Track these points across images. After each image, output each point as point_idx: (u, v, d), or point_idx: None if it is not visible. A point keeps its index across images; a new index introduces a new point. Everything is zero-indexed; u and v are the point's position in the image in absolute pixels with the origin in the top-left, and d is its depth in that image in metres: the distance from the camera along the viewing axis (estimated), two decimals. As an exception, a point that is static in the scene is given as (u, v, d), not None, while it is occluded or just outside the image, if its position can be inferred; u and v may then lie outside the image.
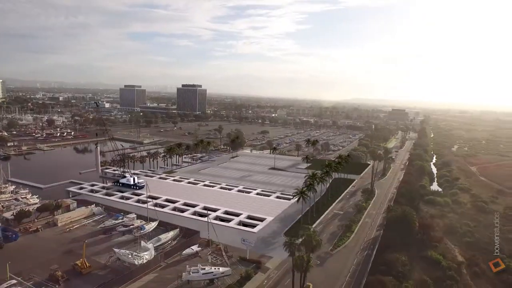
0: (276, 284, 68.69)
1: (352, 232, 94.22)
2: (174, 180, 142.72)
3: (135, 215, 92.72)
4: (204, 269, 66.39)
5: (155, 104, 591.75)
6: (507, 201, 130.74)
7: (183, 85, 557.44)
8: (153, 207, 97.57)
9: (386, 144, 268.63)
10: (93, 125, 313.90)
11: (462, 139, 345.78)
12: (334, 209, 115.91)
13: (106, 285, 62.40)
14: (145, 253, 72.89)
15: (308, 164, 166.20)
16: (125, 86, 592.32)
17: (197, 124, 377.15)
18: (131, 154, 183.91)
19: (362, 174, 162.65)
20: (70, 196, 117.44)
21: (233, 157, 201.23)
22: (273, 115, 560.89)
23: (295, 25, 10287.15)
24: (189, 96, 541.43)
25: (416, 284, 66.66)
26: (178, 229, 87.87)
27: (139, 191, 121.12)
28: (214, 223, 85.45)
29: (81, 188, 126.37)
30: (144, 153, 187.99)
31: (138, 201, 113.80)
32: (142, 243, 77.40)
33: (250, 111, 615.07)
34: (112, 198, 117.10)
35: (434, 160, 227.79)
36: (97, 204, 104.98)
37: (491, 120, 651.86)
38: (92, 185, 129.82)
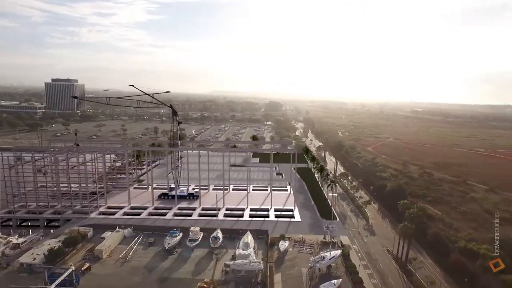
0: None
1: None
2: (155, 189, 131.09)
3: (199, 228, 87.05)
4: (329, 254, 73.88)
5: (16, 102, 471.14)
6: (415, 169, 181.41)
7: (53, 80, 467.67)
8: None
9: (295, 134, 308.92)
10: None
11: (337, 126, 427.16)
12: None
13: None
14: (254, 257, 73.73)
15: (257, 158, 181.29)
16: None
17: (98, 125, 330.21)
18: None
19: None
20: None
21: (181, 158, 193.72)
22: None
23: (146, 14, 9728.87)
24: (63, 93, 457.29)
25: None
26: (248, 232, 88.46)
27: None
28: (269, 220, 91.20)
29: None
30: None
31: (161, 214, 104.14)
32: (238, 251, 76.84)
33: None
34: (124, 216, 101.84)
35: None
36: (125, 227, 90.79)
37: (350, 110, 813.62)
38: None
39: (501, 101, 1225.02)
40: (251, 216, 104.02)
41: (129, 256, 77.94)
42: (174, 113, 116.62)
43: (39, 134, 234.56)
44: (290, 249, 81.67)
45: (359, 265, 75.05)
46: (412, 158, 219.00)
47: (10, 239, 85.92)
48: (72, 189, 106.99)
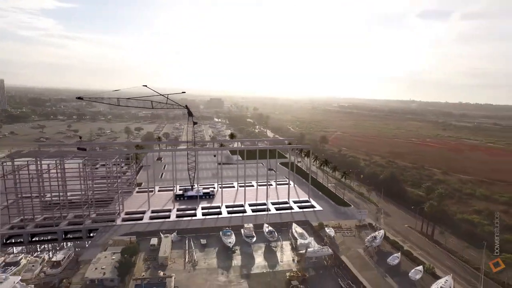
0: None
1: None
2: (159, 191, 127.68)
3: (252, 224, 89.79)
4: (378, 234, 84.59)
5: None
6: (379, 159, 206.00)
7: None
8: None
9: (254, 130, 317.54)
10: None
11: (284, 122, 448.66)
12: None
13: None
14: (315, 244, 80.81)
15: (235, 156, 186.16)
16: None
17: (36, 127, 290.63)
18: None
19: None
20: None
21: (159, 159, 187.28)
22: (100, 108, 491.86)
23: (55, 1, 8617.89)
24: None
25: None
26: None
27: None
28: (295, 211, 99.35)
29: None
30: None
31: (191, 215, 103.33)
32: (300, 241, 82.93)
33: (60, 106, 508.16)
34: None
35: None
36: (166, 231, 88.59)
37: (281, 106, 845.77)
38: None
39: (407, 97, 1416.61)
40: (276, 209, 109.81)
41: (195, 259, 77.61)
42: (190, 113, 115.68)
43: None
44: (334, 235, 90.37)
45: (398, 241, 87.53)
46: (369, 150, 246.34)
47: (44, 257, 77.85)
48: (90, 196, 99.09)
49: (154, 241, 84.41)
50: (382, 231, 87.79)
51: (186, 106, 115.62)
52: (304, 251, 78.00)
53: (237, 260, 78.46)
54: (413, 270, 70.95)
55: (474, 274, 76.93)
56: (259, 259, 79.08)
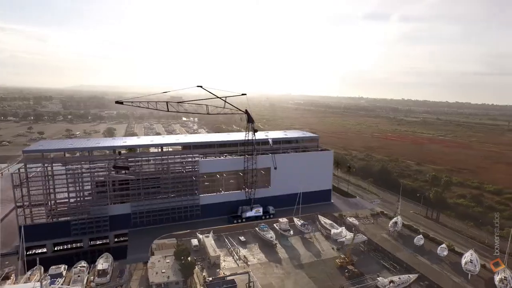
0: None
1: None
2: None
3: (286, 219, 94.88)
4: (398, 220, 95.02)
5: None
6: (357, 153, 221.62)
7: None
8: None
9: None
10: None
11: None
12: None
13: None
14: (347, 233, 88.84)
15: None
16: None
17: None
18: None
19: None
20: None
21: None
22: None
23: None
24: None
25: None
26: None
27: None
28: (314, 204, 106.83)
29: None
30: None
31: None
32: (333, 230, 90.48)
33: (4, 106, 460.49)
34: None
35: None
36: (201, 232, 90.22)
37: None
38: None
39: (356, 94, 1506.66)
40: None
41: (244, 256, 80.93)
42: (251, 120, 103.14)
43: None
44: (358, 223, 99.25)
45: (412, 225, 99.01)
46: (344, 145, 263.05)
47: (82, 266, 75.53)
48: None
49: (195, 241, 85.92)
50: (399, 217, 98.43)
51: (246, 110, 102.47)
52: (344, 239, 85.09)
53: (282, 253, 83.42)
54: (439, 248, 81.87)
55: (482, 247, 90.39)
56: (302, 250, 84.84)
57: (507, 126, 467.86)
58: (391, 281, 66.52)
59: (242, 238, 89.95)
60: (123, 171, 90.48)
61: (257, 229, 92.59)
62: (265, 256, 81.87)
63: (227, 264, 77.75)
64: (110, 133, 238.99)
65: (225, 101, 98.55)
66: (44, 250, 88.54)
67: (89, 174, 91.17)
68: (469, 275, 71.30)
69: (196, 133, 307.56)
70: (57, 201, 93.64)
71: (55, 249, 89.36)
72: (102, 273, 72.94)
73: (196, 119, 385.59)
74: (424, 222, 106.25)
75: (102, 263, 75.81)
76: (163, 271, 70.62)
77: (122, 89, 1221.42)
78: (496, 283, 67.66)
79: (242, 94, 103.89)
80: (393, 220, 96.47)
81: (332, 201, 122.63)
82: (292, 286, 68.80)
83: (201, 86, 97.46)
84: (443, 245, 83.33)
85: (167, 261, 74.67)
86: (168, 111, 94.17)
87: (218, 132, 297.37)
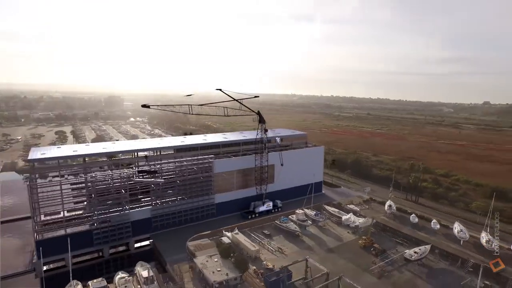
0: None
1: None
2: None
3: (302, 210, 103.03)
4: (391, 203, 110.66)
5: None
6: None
7: None
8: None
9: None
10: None
11: (203, 118, 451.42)
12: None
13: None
14: (354, 218, 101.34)
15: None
16: None
17: None
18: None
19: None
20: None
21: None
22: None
23: None
24: None
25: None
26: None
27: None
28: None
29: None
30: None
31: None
32: (344, 217, 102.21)
33: None
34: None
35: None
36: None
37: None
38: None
39: (289, 91, 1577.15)
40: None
41: (280, 248, 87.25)
42: (262, 120, 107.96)
43: None
44: (358, 209, 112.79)
45: (401, 207, 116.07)
46: (309, 140, 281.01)
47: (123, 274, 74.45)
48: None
49: (226, 239, 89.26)
50: (390, 201, 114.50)
51: (258, 112, 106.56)
52: (358, 223, 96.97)
53: (308, 241, 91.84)
54: (432, 223, 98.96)
55: (460, 220, 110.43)
56: (324, 237, 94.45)
57: (424, 119, 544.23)
58: (415, 252, 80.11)
59: (266, 232, 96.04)
60: (150, 176, 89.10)
61: (277, 222, 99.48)
62: (294, 245, 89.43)
63: (267, 256, 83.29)
64: (76, 137, 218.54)
65: (241, 103, 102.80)
66: (63, 263, 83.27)
67: (109, 181, 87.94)
68: (461, 241, 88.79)
69: (152, 133, 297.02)
70: (74, 211, 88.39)
71: (74, 261, 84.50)
72: (149, 280, 72.35)
73: (145, 119, 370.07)
74: (406, 204, 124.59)
75: (143, 270, 74.83)
76: (218, 269, 73.17)
77: (42, 87, 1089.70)
78: (484, 244, 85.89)
79: (255, 97, 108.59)
80: (387, 203, 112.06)
81: (323, 191, 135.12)
82: (337, 267, 77.44)
83: (220, 89, 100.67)
84: (434, 220, 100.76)
85: (215, 260, 77.31)
86: (191, 113, 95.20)
87: (176, 132, 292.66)
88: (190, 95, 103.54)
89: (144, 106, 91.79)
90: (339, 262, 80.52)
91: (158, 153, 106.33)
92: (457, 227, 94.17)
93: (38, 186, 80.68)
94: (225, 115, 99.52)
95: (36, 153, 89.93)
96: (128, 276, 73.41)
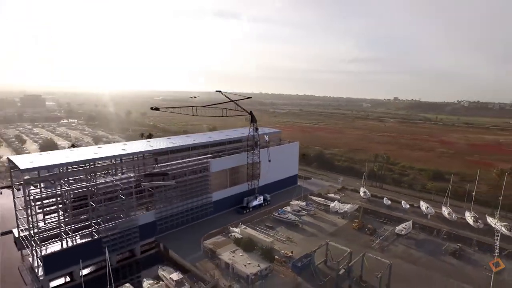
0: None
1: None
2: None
3: (297, 202, 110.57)
4: (366, 190, 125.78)
5: None
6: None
7: None
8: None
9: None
10: None
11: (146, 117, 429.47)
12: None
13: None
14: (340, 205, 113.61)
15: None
16: None
17: None
18: None
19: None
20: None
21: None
22: None
23: None
24: None
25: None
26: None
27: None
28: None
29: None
30: None
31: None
32: (332, 204, 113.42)
33: None
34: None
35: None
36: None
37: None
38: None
39: (217, 88, 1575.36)
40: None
41: (289, 237, 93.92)
42: (253, 119, 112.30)
43: None
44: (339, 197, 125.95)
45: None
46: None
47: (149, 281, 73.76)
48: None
49: (236, 235, 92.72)
50: (365, 188, 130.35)
51: (250, 112, 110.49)
52: (345, 210, 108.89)
53: (309, 229, 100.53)
54: (402, 204, 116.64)
55: (422, 199, 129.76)
56: (321, 224, 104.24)
57: (351, 114, 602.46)
58: (404, 228, 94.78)
59: (269, 224, 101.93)
60: (161, 178, 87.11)
61: (276, 214, 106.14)
62: (298, 234, 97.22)
63: (279, 246, 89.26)
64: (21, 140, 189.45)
65: (237, 104, 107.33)
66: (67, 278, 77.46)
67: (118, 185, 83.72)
68: (429, 216, 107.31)
69: (96, 135, 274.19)
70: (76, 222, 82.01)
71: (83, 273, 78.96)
72: (179, 282, 72.32)
73: (80, 120, 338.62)
74: (373, 190, 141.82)
75: (171, 274, 74.35)
76: (248, 262, 76.75)
77: None
78: (446, 216, 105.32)
79: (248, 98, 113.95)
80: (362, 190, 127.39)
81: (299, 183, 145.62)
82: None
83: (220, 91, 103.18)
84: (403, 201, 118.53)
85: (240, 254, 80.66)
86: (196, 115, 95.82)
87: (123, 133, 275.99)
88: (195, 97, 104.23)
89: (153, 108, 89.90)
90: (343, 243, 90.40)
91: (156, 156, 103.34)
92: (423, 205, 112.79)
93: (36, 195, 73.64)
94: (225, 116, 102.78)
95: (26, 162, 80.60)
96: (157, 283, 72.65)
